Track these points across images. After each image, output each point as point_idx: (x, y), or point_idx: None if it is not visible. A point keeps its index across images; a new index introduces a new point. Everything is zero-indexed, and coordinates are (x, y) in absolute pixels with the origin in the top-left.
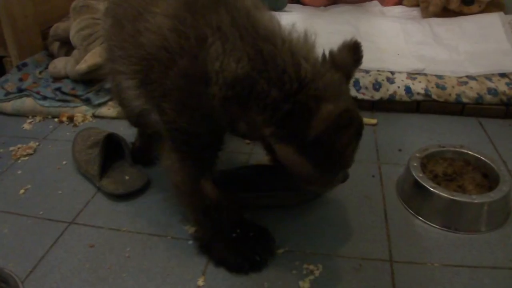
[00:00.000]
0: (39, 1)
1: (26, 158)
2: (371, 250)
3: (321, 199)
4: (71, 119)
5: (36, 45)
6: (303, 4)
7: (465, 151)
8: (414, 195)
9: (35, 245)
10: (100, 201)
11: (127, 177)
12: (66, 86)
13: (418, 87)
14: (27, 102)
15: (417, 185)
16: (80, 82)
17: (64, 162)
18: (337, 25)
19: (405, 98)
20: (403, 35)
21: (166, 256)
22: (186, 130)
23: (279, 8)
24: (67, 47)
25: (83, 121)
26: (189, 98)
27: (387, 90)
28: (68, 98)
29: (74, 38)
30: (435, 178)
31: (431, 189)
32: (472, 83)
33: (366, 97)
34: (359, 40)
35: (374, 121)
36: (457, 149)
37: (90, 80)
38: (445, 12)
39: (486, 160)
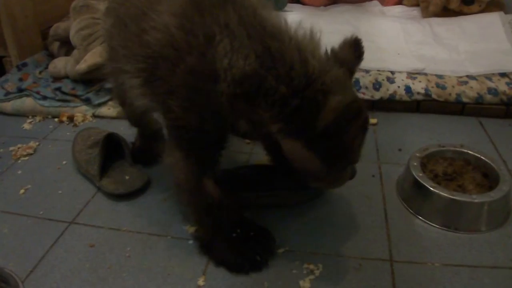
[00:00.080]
0: (39, 1)
1: (26, 158)
2: (371, 250)
3: (321, 199)
4: (71, 119)
5: (36, 45)
6: (303, 4)
7: (465, 150)
8: (414, 194)
9: (35, 245)
10: (100, 201)
11: (127, 177)
12: (66, 86)
13: (418, 86)
14: (27, 102)
15: (417, 184)
16: (80, 82)
17: (64, 162)
18: (337, 25)
19: (405, 97)
20: (403, 35)
21: (167, 255)
22: (192, 127)
23: (279, 8)
24: (67, 47)
25: (83, 121)
26: (196, 95)
27: (387, 90)
28: (68, 98)
29: (74, 38)
30: (435, 178)
31: (431, 188)
32: (472, 83)
33: (366, 97)
34: None
35: (374, 120)
36: (457, 149)
37: (90, 80)
38: (445, 11)
39: (486, 160)
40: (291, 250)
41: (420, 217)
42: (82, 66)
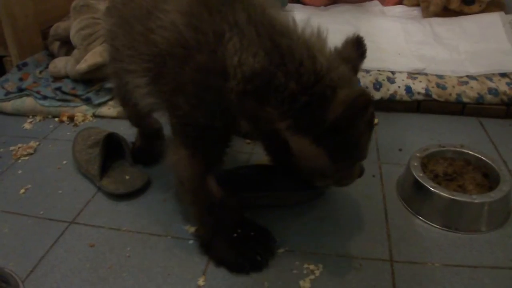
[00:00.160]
0: (39, 1)
1: (27, 157)
2: (372, 250)
3: (321, 199)
4: (71, 118)
5: (36, 44)
6: (304, 3)
7: (466, 151)
8: (414, 195)
9: (35, 245)
10: (100, 200)
11: (127, 177)
12: (66, 85)
13: (419, 86)
14: (27, 102)
15: (417, 185)
16: (80, 82)
17: (64, 162)
18: (337, 24)
19: (406, 97)
20: (404, 35)
21: (167, 255)
22: (199, 125)
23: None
24: (67, 46)
25: (83, 120)
26: (205, 92)
27: (387, 90)
28: (68, 97)
29: (74, 37)
30: (435, 178)
31: (432, 189)
32: (473, 83)
33: None
34: None
35: (375, 120)
36: (458, 149)
37: (90, 79)
38: (446, 11)
39: (487, 160)
40: (291, 250)
41: (421, 217)
42: (83, 65)
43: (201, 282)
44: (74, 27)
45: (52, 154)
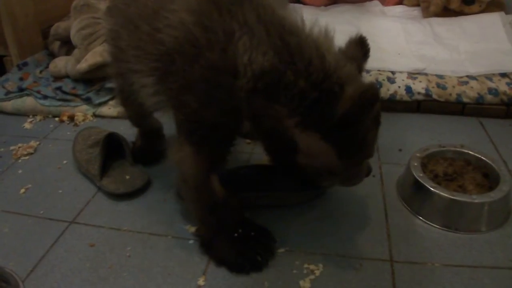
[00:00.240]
0: (40, 0)
1: (27, 157)
2: (372, 250)
3: (321, 199)
4: (71, 118)
5: (37, 44)
6: (304, 3)
7: (466, 151)
8: (414, 195)
9: (35, 245)
10: (100, 200)
11: (127, 177)
12: (67, 85)
13: (419, 86)
14: (28, 101)
15: (417, 185)
16: (80, 82)
17: (64, 162)
18: (337, 25)
19: (406, 97)
20: (404, 35)
21: (167, 255)
22: (207, 122)
23: None
24: (67, 46)
25: (83, 120)
26: (215, 90)
27: (387, 90)
28: (69, 97)
29: (74, 37)
30: (435, 178)
31: (432, 189)
32: (473, 83)
33: None
34: None
35: None
36: (458, 149)
37: (90, 79)
38: (446, 11)
39: (487, 160)
40: (291, 250)
41: (420, 217)
42: (83, 65)
43: (201, 282)
44: (74, 26)
45: (53, 154)
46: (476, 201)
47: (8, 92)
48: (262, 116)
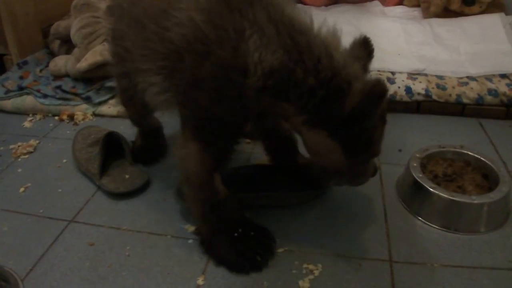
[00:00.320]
0: None
1: (26, 156)
2: (371, 250)
3: (322, 199)
4: (71, 117)
5: (37, 43)
6: (304, 3)
7: (465, 151)
8: (414, 195)
9: (35, 244)
10: (100, 199)
11: (127, 176)
12: (67, 84)
13: (419, 87)
14: (28, 100)
15: (417, 185)
16: (80, 81)
17: (64, 161)
18: (338, 25)
19: (406, 98)
20: (404, 35)
21: (166, 254)
22: (215, 118)
23: None
24: (67, 45)
25: (83, 119)
26: (225, 87)
27: None
28: (69, 96)
29: (74, 36)
30: (435, 179)
31: (431, 189)
32: (473, 84)
33: None
34: None
35: None
36: (457, 150)
37: (90, 78)
38: (446, 12)
39: (486, 161)
40: (290, 250)
41: (420, 218)
42: (83, 64)
43: (200, 281)
44: (74, 25)
45: (52, 153)
46: (475, 201)
47: (8, 91)
48: (268, 114)
